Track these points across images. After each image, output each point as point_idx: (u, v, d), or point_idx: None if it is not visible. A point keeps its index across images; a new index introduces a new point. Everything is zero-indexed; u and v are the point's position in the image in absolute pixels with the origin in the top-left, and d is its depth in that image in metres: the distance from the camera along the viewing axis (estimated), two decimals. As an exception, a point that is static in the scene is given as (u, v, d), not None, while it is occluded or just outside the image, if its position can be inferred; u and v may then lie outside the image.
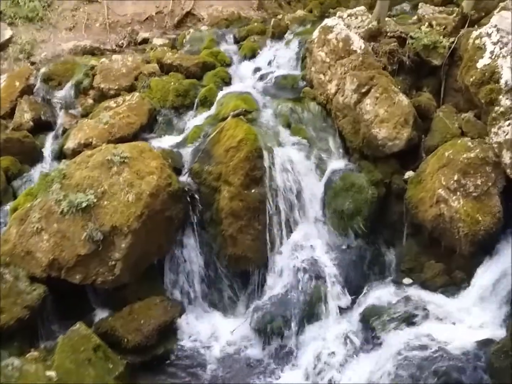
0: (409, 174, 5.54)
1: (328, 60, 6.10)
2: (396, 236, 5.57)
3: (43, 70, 7.45)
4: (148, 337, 4.97)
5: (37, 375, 4.42)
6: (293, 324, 5.08)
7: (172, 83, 6.69)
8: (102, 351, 4.71)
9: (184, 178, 5.66)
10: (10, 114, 7.02)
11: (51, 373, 4.51)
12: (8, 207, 5.97)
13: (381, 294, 5.13)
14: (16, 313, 4.77)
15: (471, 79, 5.27)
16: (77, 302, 5.23)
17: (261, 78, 6.77)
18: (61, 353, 4.61)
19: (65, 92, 7.22)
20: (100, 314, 5.28)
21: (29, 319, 4.82)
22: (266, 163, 5.45)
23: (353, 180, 5.56)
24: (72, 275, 5.06)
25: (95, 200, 5.05)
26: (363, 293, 5.23)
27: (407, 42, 6.12)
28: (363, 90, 5.64)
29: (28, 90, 7.23)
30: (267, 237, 5.47)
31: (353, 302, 5.21)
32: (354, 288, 5.27)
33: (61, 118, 7.00)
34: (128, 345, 4.92)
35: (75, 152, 5.94)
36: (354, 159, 5.78)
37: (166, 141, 6.18)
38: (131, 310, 5.14)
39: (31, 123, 6.87)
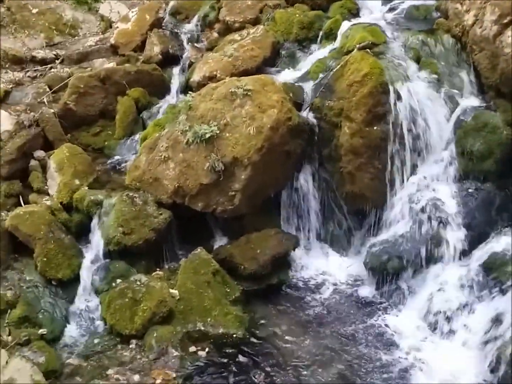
0: (551, 114, 5.04)
1: (467, -13, 5.62)
2: (531, 181, 5.15)
3: (171, 3, 7.56)
4: (263, 266, 5.12)
5: (161, 291, 4.79)
6: (410, 266, 4.97)
7: (297, 15, 6.51)
8: (220, 276, 4.98)
9: (305, 113, 5.59)
10: (141, 47, 7.24)
11: (174, 291, 4.88)
12: (138, 136, 6.32)
13: (508, 242, 4.80)
14: (144, 234, 5.13)
15: None
16: (198, 228, 5.50)
17: (391, 9, 6.35)
18: (183, 274, 4.95)
19: (191, 25, 7.33)
20: (219, 242, 5.52)
21: (155, 241, 5.17)
22: (391, 99, 5.19)
23: (486, 119, 5.14)
24: (195, 203, 5.32)
25: (218, 132, 5.18)
26: (488, 240, 4.94)
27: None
28: (505, 21, 5.09)
29: (157, 23, 7.38)
30: (387, 177, 5.30)
31: (476, 248, 4.94)
32: (479, 234, 4.99)
33: (188, 52, 7.13)
34: (244, 272, 5.11)
35: (200, 85, 6.06)
36: (488, 97, 5.33)
37: (288, 75, 6.08)
38: (248, 239, 5.31)
39: (160, 56, 7.04)
